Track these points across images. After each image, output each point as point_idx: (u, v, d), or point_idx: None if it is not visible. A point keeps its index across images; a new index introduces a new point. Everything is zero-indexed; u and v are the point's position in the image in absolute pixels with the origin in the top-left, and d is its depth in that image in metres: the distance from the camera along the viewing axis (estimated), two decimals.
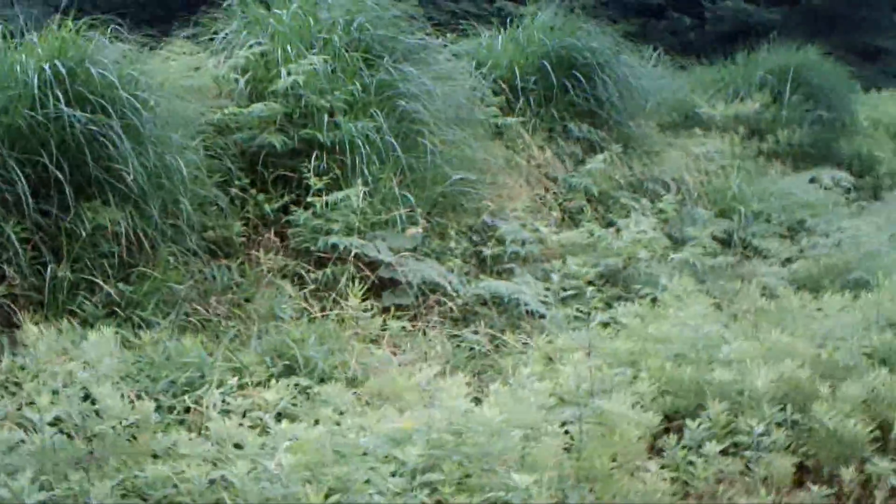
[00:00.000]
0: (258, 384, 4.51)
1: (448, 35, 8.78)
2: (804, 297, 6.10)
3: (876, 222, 9.04)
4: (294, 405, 4.23)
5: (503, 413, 3.77)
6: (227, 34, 7.28)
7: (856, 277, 6.83)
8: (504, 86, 8.71)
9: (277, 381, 4.31)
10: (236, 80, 6.65)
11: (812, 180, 10.35)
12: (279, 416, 3.98)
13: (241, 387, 4.45)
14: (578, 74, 8.83)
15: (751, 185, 9.40)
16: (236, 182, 6.29)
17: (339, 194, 6.09)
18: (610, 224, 7.85)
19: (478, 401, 4.16)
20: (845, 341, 4.85)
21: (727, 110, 11.22)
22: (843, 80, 12.77)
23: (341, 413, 4.01)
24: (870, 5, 52.51)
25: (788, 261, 7.71)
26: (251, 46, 6.85)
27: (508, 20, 9.62)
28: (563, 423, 3.96)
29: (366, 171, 6.33)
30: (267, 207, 6.25)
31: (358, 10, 7.34)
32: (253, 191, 6.35)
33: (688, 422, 4.02)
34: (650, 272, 6.87)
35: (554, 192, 8.04)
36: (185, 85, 6.35)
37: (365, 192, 6.17)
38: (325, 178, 6.18)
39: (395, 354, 5.38)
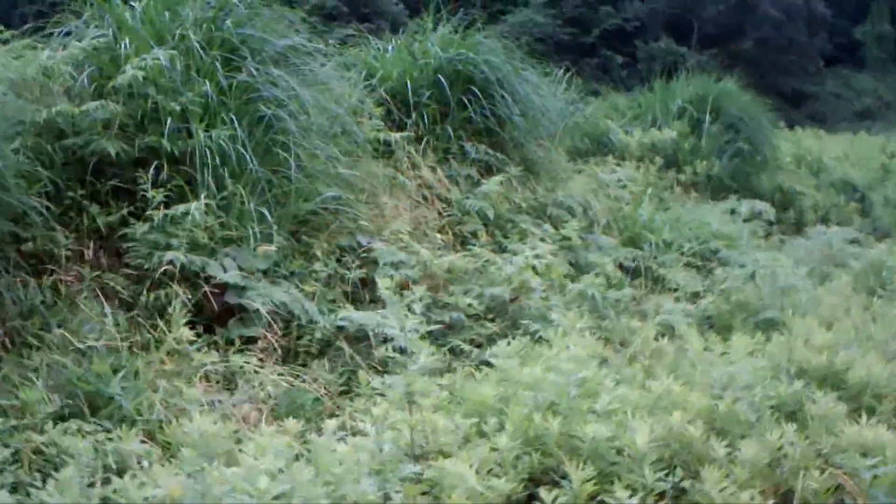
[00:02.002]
0: (30, 427, 3.67)
1: (332, 42, 7.98)
2: (710, 339, 5.38)
3: (796, 256, 8.44)
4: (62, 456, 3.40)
5: (313, 477, 2.95)
6: (74, 28, 6.42)
7: (769, 317, 6.13)
8: (394, 100, 7.95)
9: (55, 425, 3.48)
10: (74, 77, 5.78)
11: (732, 211, 9.73)
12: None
13: (15, 429, 3.63)
14: (476, 90, 8.08)
15: (663, 213, 8.75)
16: (69, 193, 5.42)
17: (181, 207, 5.24)
18: (505, 249, 7.10)
19: (298, 457, 3.36)
20: (749, 391, 4.08)
21: (643, 138, 10.62)
22: (762, 113, 12.29)
23: (115, 470, 3.18)
24: (798, 52, 53.27)
25: (697, 295, 7.02)
26: (94, 38, 5.99)
27: (402, 31, 8.87)
28: (386, 495, 3.13)
29: (213, 185, 5.49)
30: (101, 220, 5.38)
31: (223, 6, 6.53)
32: (87, 202, 5.47)
33: (542, 492, 3.21)
34: (543, 305, 6.09)
35: (446, 216, 7.26)
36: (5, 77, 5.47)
37: (213, 207, 5.35)
38: (165, 188, 5.35)
39: (231, 393, 4.57)
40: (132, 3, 6.33)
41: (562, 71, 10.34)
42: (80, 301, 4.93)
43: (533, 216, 7.74)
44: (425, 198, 7.32)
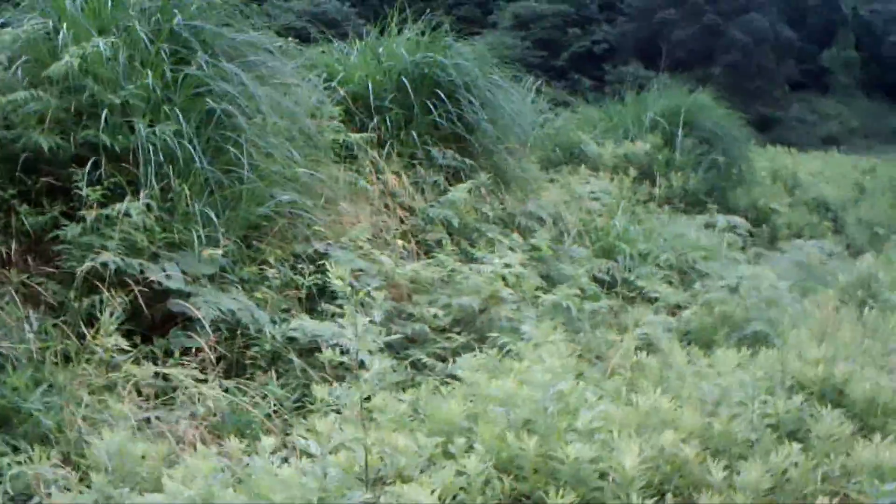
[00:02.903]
0: None
1: (291, 41, 7.53)
2: (693, 352, 4.98)
3: (775, 269, 8.08)
4: None
5: None
6: (11, 18, 5.94)
7: (755, 330, 5.74)
8: (355, 103, 7.51)
9: None
10: (5, 67, 5.29)
11: (707, 225, 9.37)
12: None
13: None
14: (442, 94, 7.66)
15: (638, 225, 8.36)
16: None
17: (119, 206, 4.76)
18: (472, 259, 6.67)
19: (235, 482, 2.91)
20: (745, 407, 3.66)
21: (617, 149, 10.25)
22: (737, 127, 11.96)
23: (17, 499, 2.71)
24: (765, 77, 53.46)
25: (678, 307, 6.63)
26: (30, 26, 5.51)
27: (365, 33, 8.44)
28: None
29: (155, 184, 5.02)
30: (30, 221, 4.88)
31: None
32: (16, 201, 4.97)
33: None
34: (514, 317, 5.66)
35: (409, 225, 6.82)
36: None
37: (155, 208, 4.88)
38: (103, 186, 4.88)
39: (169, 409, 4.09)
40: None
41: (531, 79, 9.91)
42: (5, 308, 4.45)
43: (501, 226, 7.33)
44: (387, 205, 6.87)
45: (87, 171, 4.95)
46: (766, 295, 6.55)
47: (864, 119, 53.61)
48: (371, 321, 4.86)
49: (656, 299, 6.57)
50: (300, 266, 5.54)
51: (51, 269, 4.74)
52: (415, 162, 7.45)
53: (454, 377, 4.37)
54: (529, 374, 3.73)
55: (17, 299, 4.47)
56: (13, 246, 4.78)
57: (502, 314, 5.64)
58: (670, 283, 7.17)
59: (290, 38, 7.32)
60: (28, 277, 4.66)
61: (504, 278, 5.87)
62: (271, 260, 5.38)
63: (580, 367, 4.80)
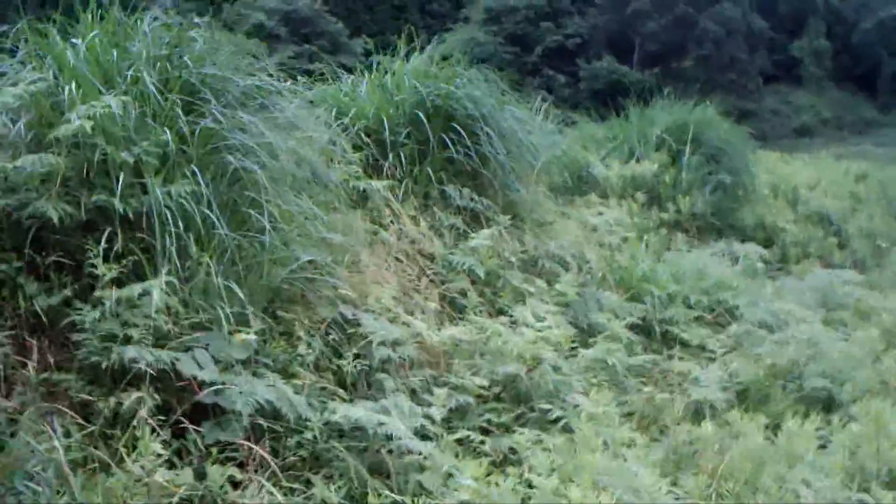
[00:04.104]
0: None
1: (300, 78, 7.15)
2: (757, 421, 4.66)
3: (803, 301, 7.83)
4: None
5: None
6: (8, 67, 5.51)
7: (815, 387, 5.42)
8: (369, 140, 7.13)
9: None
10: (8, 126, 4.86)
11: (723, 253, 9.08)
12: None
13: None
14: (458, 127, 7.28)
15: (658, 260, 8.05)
16: (1, 267, 4.51)
17: (138, 287, 4.36)
18: (501, 312, 6.33)
19: None
20: None
21: (623, 171, 9.92)
22: (742, 141, 11.67)
23: None
24: (738, 69, 53.49)
25: (712, 354, 6.33)
26: (32, 82, 5.07)
27: (375, 65, 8.02)
28: None
29: (176, 256, 4.61)
30: (41, 302, 4.46)
31: (179, 42, 5.67)
32: (23, 278, 4.55)
33: None
34: (559, 379, 5.32)
35: (430, 274, 6.45)
36: None
37: (175, 285, 4.48)
38: (120, 263, 4.47)
39: None
40: (74, 40, 5.43)
41: (539, 99, 9.55)
42: (28, 412, 4.03)
43: (524, 271, 6.97)
44: (407, 254, 6.50)
45: (100, 245, 4.53)
46: (805, 336, 6.28)
47: (836, 110, 53.73)
48: (425, 414, 4.56)
49: (700, 348, 6.25)
50: (331, 336, 5.17)
51: (70, 363, 4.33)
52: (429, 202, 7.09)
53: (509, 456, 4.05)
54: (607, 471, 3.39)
55: (38, 399, 4.07)
56: (25, 334, 4.37)
57: (547, 378, 5.29)
58: (706, 322, 6.86)
59: (298, 77, 6.93)
60: (47, 372, 4.25)
61: (545, 337, 5.51)
62: (301, 333, 4.98)
63: (642, 442, 4.50)
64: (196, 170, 4.93)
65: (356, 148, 6.76)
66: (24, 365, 4.31)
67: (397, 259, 6.39)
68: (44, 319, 4.45)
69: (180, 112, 5.14)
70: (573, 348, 5.87)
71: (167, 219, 4.67)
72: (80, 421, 4.06)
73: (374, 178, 6.76)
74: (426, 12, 53.83)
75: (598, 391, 5.12)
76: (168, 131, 4.98)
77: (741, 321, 6.82)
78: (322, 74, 7.99)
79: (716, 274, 7.75)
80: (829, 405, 5.43)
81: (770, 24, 55.13)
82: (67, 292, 4.51)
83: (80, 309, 4.39)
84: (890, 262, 12.33)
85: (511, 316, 6.06)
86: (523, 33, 50.33)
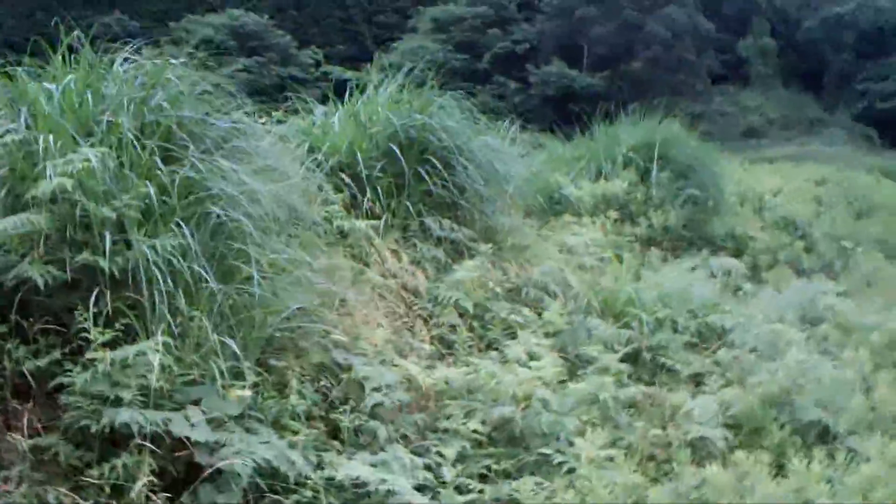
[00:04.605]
0: None
1: (273, 112, 7.03)
2: (761, 460, 4.61)
3: (784, 318, 7.86)
4: None
5: None
6: None
7: (811, 420, 5.40)
8: (344, 175, 7.01)
9: None
10: None
11: (693, 269, 9.09)
12: None
13: None
14: (434, 160, 7.19)
15: (638, 278, 8.02)
16: None
17: (132, 349, 4.22)
18: (491, 346, 6.26)
19: None
20: None
21: (594, 189, 9.91)
22: (710, 156, 11.73)
23: None
24: (687, 71, 53.99)
25: (703, 384, 6.29)
26: (5, 133, 4.91)
27: (347, 91, 7.90)
28: None
29: (167, 313, 4.48)
30: (28, 365, 4.31)
31: (155, 83, 5.54)
32: (9, 342, 4.38)
33: None
34: (552, 419, 5.24)
35: (417, 309, 6.36)
36: None
37: (170, 344, 4.35)
38: (111, 326, 4.33)
39: None
40: (47, 85, 5.27)
41: (508, 122, 9.49)
42: (11, 478, 3.90)
43: (509, 301, 6.89)
44: (391, 289, 6.40)
45: (89, 307, 4.38)
46: (793, 360, 6.26)
47: (783, 110, 54.32)
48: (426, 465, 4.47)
49: (691, 377, 6.22)
50: (322, 383, 5.06)
51: (58, 426, 4.19)
52: (409, 234, 7.00)
53: None
54: None
55: (30, 468, 3.93)
56: (12, 400, 4.22)
57: (540, 419, 5.21)
58: (694, 346, 6.82)
59: (273, 110, 6.81)
60: (35, 438, 4.10)
61: (539, 377, 5.44)
62: (294, 383, 4.86)
63: (645, 484, 4.45)
64: (180, 222, 4.79)
65: (333, 184, 6.64)
66: (11, 428, 4.18)
67: (381, 296, 6.29)
68: (31, 381, 4.30)
69: (159, 161, 5.00)
70: (562, 381, 5.81)
71: (155, 276, 4.53)
72: (75, 497, 3.91)
73: (352, 213, 6.65)
74: (373, 23, 53.81)
75: (593, 430, 5.08)
76: (149, 183, 4.84)
77: (729, 345, 6.79)
78: (294, 107, 7.84)
79: (698, 292, 7.73)
80: (824, 436, 5.42)
81: (716, 24, 55.63)
82: (56, 354, 4.36)
83: (70, 370, 4.24)
84: (856, 262, 12.51)
85: (502, 352, 5.98)
86: (471, 41, 50.45)
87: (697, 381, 6.39)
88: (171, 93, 5.50)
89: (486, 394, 5.32)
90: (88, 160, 4.62)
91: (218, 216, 4.99)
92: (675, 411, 5.69)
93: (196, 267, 4.70)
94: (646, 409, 5.77)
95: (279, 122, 7.32)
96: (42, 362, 4.33)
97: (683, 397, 5.81)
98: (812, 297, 8.63)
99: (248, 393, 4.39)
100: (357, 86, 7.93)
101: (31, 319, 4.48)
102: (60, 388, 4.25)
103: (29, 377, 4.28)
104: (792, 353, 6.34)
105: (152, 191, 4.79)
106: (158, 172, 4.97)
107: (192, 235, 4.79)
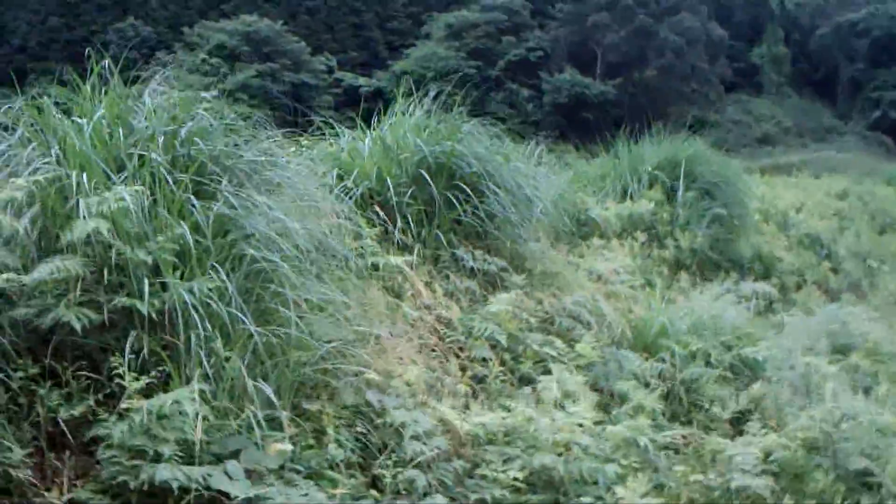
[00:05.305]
0: None
1: (302, 140, 6.92)
2: None
3: (816, 346, 7.74)
4: None
5: None
6: (7, 147, 5.23)
7: (858, 469, 5.26)
8: (375, 204, 6.90)
9: None
10: (17, 227, 4.53)
11: (729, 292, 8.97)
12: None
13: None
14: (463, 185, 7.07)
15: (667, 301, 7.89)
16: (18, 374, 4.22)
17: (168, 399, 4.10)
18: (523, 380, 6.14)
19: None
20: None
21: (621, 211, 9.80)
22: (735, 174, 11.60)
23: None
24: (699, 79, 53.91)
25: (738, 421, 6.18)
26: (36, 171, 4.79)
27: (374, 117, 7.79)
28: None
29: (205, 358, 4.36)
30: (63, 413, 4.19)
31: (185, 113, 5.44)
32: (42, 388, 4.26)
33: None
34: (592, 466, 5.11)
35: (449, 342, 6.23)
36: None
37: (206, 393, 4.23)
38: (147, 372, 4.22)
39: None
40: (77, 119, 5.16)
41: (534, 143, 9.38)
42: None
43: (542, 331, 6.77)
44: (424, 321, 6.28)
45: (125, 352, 4.27)
46: (829, 396, 6.13)
47: (796, 117, 54.24)
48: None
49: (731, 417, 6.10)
50: (357, 428, 4.93)
51: (94, 478, 4.07)
52: (441, 266, 6.87)
53: None
54: None
55: None
56: (48, 453, 4.10)
57: (581, 466, 5.08)
58: (728, 380, 6.68)
59: (302, 137, 6.71)
60: (71, 492, 3.99)
61: (580, 423, 5.31)
62: (329, 430, 4.73)
63: None
64: (216, 265, 4.67)
65: (363, 213, 6.52)
66: (46, 480, 4.07)
67: (414, 326, 6.18)
68: (65, 431, 4.19)
69: (193, 199, 4.88)
70: (599, 422, 5.68)
71: (192, 320, 4.41)
72: None
73: (383, 245, 6.54)
74: (386, 29, 53.87)
75: (634, 478, 4.96)
76: (182, 222, 4.73)
77: (765, 381, 6.66)
78: (320, 129, 7.73)
79: (730, 320, 7.59)
80: (868, 483, 5.29)
81: (728, 32, 55.55)
82: (90, 401, 4.25)
83: (105, 420, 4.13)
84: (882, 282, 12.41)
85: (536, 389, 5.86)
86: (485, 47, 50.46)
87: (734, 419, 6.26)
88: (201, 126, 5.39)
89: (524, 439, 5.19)
90: (122, 199, 4.51)
91: (252, 258, 4.88)
92: (714, 455, 5.55)
93: (233, 309, 4.58)
94: (684, 452, 5.64)
95: (306, 148, 7.20)
96: (76, 410, 4.21)
97: (722, 441, 5.68)
98: (843, 322, 8.50)
99: (287, 447, 4.27)
100: (382, 107, 7.81)
101: (64, 362, 4.37)
102: (95, 442, 4.14)
103: (63, 425, 4.17)
104: (828, 390, 6.22)
105: (187, 231, 4.66)
106: (192, 210, 4.85)
107: (228, 276, 4.68)
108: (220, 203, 4.96)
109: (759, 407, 6.36)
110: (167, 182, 4.91)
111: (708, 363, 6.85)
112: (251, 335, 4.58)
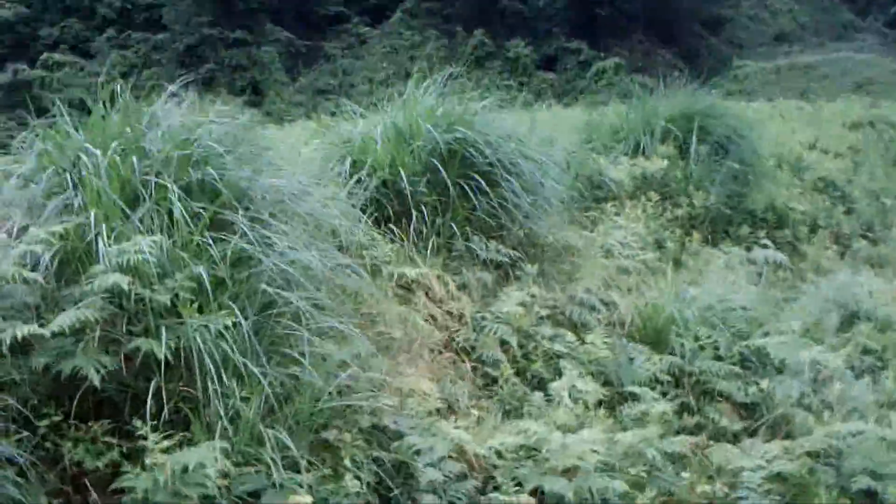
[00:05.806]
0: None
1: (314, 124, 6.92)
2: None
3: (816, 314, 7.87)
4: None
5: None
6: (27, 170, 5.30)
7: (861, 489, 5.40)
8: (384, 189, 6.93)
9: None
10: (37, 280, 4.58)
11: (742, 261, 9.03)
12: None
13: None
14: (477, 176, 7.07)
15: (678, 285, 7.92)
16: (42, 422, 4.35)
17: (192, 458, 4.22)
18: (533, 381, 6.26)
19: None
20: None
21: (633, 170, 9.79)
22: (747, 124, 11.47)
23: None
24: None
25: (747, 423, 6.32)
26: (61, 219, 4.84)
27: (385, 100, 7.76)
28: None
29: (221, 408, 4.47)
30: (89, 463, 4.33)
31: (195, 129, 5.47)
32: (68, 440, 4.40)
33: None
34: (602, 485, 5.24)
35: (461, 341, 6.32)
36: None
37: (228, 449, 4.36)
38: (169, 422, 4.35)
39: None
40: (91, 149, 5.17)
41: (545, 105, 9.34)
42: None
43: (552, 324, 6.83)
44: (439, 321, 6.37)
45: (145, 395, 4.39)
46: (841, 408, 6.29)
47: (813, 13, 53.16)
48: None
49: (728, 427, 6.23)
50: (373, 453, 5.05)
51: None
52: (454, 256, 6.93)
53: None
54: None
55: None
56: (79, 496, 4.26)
57: (593, 485, 5.22)
58: (738, 376, 6.76)
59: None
60: None
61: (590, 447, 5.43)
62: (346, 460, 4.86)
63: None
64: (231, 303, 4.75)
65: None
66: None
67: (428, 320, 6.27)
68: (91, 482, 4.33)
69: (210, 236, 4.92)
70: (612, 438, 5.77)
71: (207, 364, 4.51)
72: None
73: (395, 230, 6.62)
74: None
75: (642, 494, 5.12)
76: (199, 261, 4.79)
77: (772, 376, 6.73)
78: (333, 114, 7.73)
79: (740, 302, 7.61)
80: (872, 500, 5.41)
81: None
82: (114, 453, 4.38)
83: (128, 473, 4.26)
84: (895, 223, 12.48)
85: (548, 395, 5.97)
86: None
87: (741, 415, 6.38)
88: (214, 152, 5.41)
89: (536, 462, 5.31)
90: (141, 251, 4.57)
91: (268, 296, 4.94)
92: (722, 464, 5.68)
93: (247, 348, 4.67)
94: (692, 461, 5.77)
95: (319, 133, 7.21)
96: (101, 462, 4.35)
97: (730, 449, 5.82)
98: (853, 294, 8.56)
99: (307, 500, 4.39)
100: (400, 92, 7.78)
101: (86, 406, 4.49)
102: (119, 494, 4.27)
103: (88, 476, 4.32)
104: (838, 388, 6.35)
105: (204, 272, 4.73)
106: (208, 248, 4.90)
107: (243, 313, 4.76)
108: (237, 237, 5.01)
109: (766, 404, 6.46)
110: (183, 216, 4.94)
111: (718, 357, 6.90)
112: (265, 375, 4.67)
